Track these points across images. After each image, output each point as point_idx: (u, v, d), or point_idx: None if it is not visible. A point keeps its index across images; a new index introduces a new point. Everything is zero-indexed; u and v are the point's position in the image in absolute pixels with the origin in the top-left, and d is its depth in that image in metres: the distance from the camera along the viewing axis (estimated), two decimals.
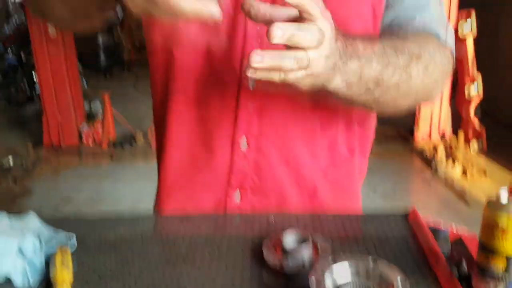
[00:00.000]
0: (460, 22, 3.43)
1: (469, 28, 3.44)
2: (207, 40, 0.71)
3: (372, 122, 0.87)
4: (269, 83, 0.55)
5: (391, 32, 0.74)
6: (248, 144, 0.78)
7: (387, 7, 0.76)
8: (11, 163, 3.53)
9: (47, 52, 3.76)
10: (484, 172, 3.22)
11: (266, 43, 0.55)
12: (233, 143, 0.78)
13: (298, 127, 0.78)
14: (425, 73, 0.68)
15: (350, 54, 0.59)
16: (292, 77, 0.55)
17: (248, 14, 0.54)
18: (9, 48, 4.99)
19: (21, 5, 4.82)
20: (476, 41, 3.52)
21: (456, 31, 3.46)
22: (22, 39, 4.85)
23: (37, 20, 3.57)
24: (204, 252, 0.70)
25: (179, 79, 0.79)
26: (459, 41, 3.48)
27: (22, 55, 4.87)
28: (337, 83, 0.60)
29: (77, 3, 0.68)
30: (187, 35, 0.68)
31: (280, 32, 0.51)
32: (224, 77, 0.77)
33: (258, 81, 0.68)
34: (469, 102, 3.58)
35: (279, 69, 0.53)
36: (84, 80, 4.92)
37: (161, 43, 0.78)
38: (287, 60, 0.53)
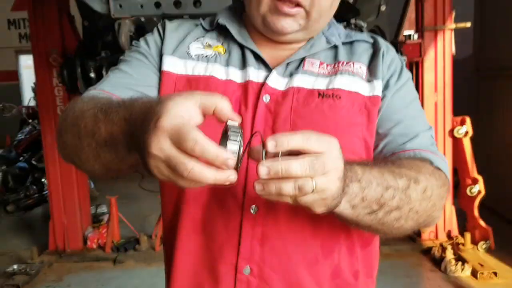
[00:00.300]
0: (456, 128, 3.59)
1: (465, 131, 3.58)
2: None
3: (376, 243, 0.90)
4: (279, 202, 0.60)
5: (385, 158, 0.81)
6: (251, 270, 0.81)
7: (378, 138, 0.84)
8: (15, 268, 3.49)
9: (58, 156, 3.88)
10: (495, 273, 3.16)
11: None
12: (237, 271, 0.81)
13: (300, 254, 0.82)
14: (423, 196, 0.73)
15: (350, 177, 0.65)
16: (303, 200, 0.59)
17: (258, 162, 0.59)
18: (22, 155, 5.15)
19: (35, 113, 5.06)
20: (473, 140, 3.65)
21: (451, 131, 3.60)
22: (34, 144, 5.04)
23: (50, 126, 3.73)
24: None
25: (187, 205, 0.84)
26: (455, 140, 3.61)
27: (33, 160, 5.02)
28: (342, 205, 0.65)
29: (110, 161, 0.72)
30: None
31: (265, 170, 0.56)
32: (228, 204, 0.82)
33: (266, 203, 0.76)
34: (472, 200, 3.62)
35: (281, 194, 0.58)
36: (91, 182, 5.01)
37: None
38: (288, 186, 0.57)
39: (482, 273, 3.15)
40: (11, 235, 4.33)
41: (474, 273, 3.21)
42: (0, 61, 7.95)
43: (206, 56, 0.89)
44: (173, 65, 0.88)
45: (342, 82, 0.86)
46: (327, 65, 0.89)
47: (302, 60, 0.88)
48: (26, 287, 3.30)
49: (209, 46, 0.91)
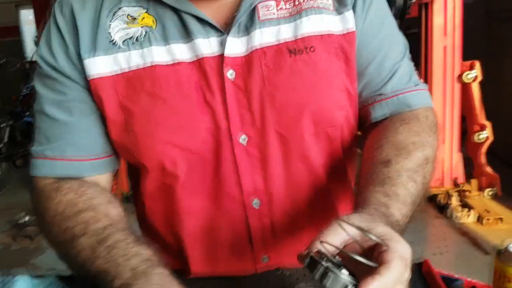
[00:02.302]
0: (465, 73, 3.50)
1: (474, 75, 3.49)
2: None
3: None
4: None
5: (381, 158, 0.72)
6: (269, 258, 0.82)
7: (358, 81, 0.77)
8: (27, 220, 3.57)
9: None
10: (501, 219, 3.17)
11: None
12: (255, 261, 0.81)
13: (312, 230, 0.78)
14: (430, 169, 0.73)
15: (401, 231, 0.61)
16: None
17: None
18: (28, 109, 5.15)
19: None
20: (482, 86, 3.57)
21: (460, 76, 3.52)
22: None
23: None
24: None
25: (184, 220, 0.79)
26: (464, 86, 3.53)
27: None
28: None
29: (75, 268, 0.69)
30: None
31: None
32: (229, 208, 0.77)
33: (267, 192, 0.77)
34: (479, 146, 3.58)
35: None
36: None
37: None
38: None
39: (488, 219, 3.16)
40: (22, 188, 4.40)
41: (479, 219, 3.22)
42: (0, 16, 7.81)
43: (136, 38, 0.69)
44: (100, 67, 0.69)
45: (310, 25, 0.71)
46: (285, 2, 0.72)
47: (254, 7, 0.71)
48: (38, 237, 3.38)
49: (133, 19, 0.70)
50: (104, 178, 0.77)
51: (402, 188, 0.65)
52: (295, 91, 0.71)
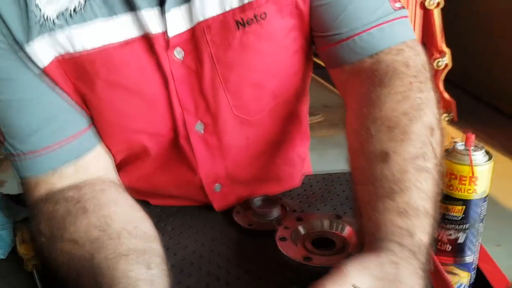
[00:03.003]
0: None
1: (437, 1, 3.47)
2: None
3: None
4: None
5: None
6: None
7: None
8: None
9: None
10: (455, 142, 3.30)
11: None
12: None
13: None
14: (437, 152, 0.55)
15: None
16: None
17: None
18: None
19: None
20: (444, 10, 3.56)
21: (422, 3, 3.49)
22: None
23: None
24: (175, 221, 0.72)
25: None
26: (426, 12, 3.52)
27: None
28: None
29: None
30: None
31: None
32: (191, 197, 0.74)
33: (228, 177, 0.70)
34: (438, 73, 3.64)
35: None
36: None
37: None
38: None
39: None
40: None
41: None
42: None
43: (74, 10, 0.55)
44: (40, 51, 0.55)
45: None
46: None
47: None
48: None
49: None
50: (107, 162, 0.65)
51: (415, 192, 0.50)
52: (250, 70, 0.62)
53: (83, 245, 0.52)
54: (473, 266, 0.62)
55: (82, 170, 0.60)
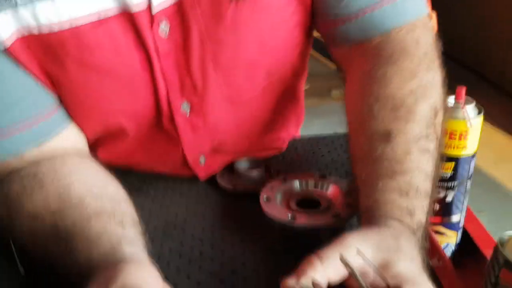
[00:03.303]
0: None
1: None
2: None
3: None
4: None
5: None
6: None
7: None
8: None
9: None
10: None
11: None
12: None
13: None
14: (439, 133, 0.53)
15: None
16: None
17: None
18: None
19: None
20: None
21: None
22: None
23: None
24: (158, 184, 0.69)
25: None
26: None
27: None
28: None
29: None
30: None
31: None
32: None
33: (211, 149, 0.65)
34: None
35: None
36: None
37: None
38: None
39: None
40: None
41: None
42: None
43: None
44: (5, 28, 0.49)
45: None
46: None
47: None
48: None
49: None
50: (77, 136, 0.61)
51: (417, 173, 0.48)
52: (243, 47, 0.57)
53: (43, 219, 0.48)
54: (460, 226, 0.61)
55: (47, 153, 0.55)
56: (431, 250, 0.46)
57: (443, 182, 0.58)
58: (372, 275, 0.39)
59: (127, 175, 0.59)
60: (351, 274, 0.37)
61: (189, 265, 0.53)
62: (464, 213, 0.60)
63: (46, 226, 0.47)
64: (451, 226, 0.60)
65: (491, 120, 2.45)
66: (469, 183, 0.58)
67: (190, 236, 0.58)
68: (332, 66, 2.81)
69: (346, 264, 0.37)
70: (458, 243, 0.62)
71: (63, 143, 0.57)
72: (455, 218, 0.60)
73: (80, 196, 0.48)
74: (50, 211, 0.48)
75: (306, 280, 0.37)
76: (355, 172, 0.52)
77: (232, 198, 0.65)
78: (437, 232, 0.61)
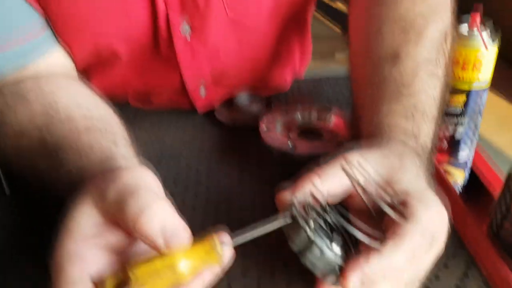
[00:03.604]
0: None
1: None
2: None
3: None
4: None
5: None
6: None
7: None
8: None
9: None
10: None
11: None
12: None
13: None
14: (448, 58, 0.50)
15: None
16: None
17: None
18: None
19: None
20: None
21: None
22: None
23: None
24: (154, 117, 0.67)
25: None
26: None
27: None
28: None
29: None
30: None
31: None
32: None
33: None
34: None
35: None
36: None
37: None
38: None
39: None
40: None
41: None
42: None
43: None
44: None
45: None
46: None
47: None
48: None
49: None
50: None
51: (425, 96, 0.45)
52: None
53: (30, 135, 0.44)
54: (467, 165, 0.59)
55: (31, 73, 0.52)
56: (437, 183, 0.43)
57: (453, 117, 0.55)
58: (374, 193, 0.36)
59: (121, 109, 0.56)
60: (353, 186, 0.35)
61: (184, 191, 0.51)
62: (472, 152, 0.58)
63: (33, 141, 0.44)
64: (459, 165, 0.58)
65: (494, 89, 2.41)
66: (479, 119, 0.55)
67: (186, 166, 0.56)
68: (336, 29, 2.74)
69: (348, 174, 0.34)
70: (465, 184, 0.59)
71: (50, 65, 0.54)
72: (463, 156, 0.57)
73: (68, 113, 0.45)
74: (37, 126, 0.45)
75: (302, 194, 0.35)
76: (357, 100, 0.50)
77: (231, 132, 0.62)
78: (444, 172, 0.58)
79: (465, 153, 0.57)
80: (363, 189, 0.33)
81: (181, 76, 0.61)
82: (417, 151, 0.41)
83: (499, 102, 2.40)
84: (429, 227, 0.32)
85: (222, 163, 0.56)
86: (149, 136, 0.62)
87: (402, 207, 0.33)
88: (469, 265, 0.40)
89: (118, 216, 0.31)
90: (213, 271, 0.31)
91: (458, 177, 0.58)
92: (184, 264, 0.30)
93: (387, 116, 0.44)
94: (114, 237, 0.32)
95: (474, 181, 0.59)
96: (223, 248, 0.31)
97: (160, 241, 0.30)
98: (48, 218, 0.34)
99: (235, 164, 0.56)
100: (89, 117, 0.46)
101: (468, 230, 0.42)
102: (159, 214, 0.30)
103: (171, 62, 0.59)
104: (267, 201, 0.49)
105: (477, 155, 0.60)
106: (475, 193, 0.58)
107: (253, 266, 0.40)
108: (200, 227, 0.44)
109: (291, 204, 0.33)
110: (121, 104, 0.64)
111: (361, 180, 0.35)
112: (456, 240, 0.42)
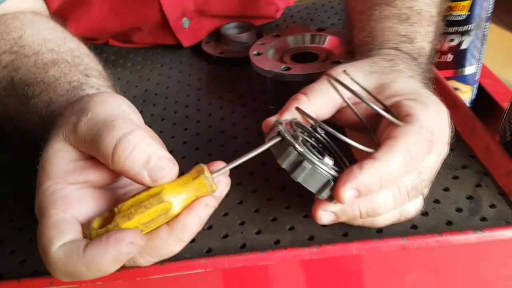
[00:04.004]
0: None
1: None
2: None
3: None
4: None
5: None
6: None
7: None
8: None
9: None
10: None
11: None
12: None
13: None
14: None
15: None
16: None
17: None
18: None
19: None
20: None
21: None
22: None
23: None
24: (136, 56, 0.62)
25: None
26: None
27: None
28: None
29: None
30: None
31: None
32: None
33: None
34: None
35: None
36: None
37: None
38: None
39: None
40: None
41: None
42: None
43: None
44: None
45: None
46: None
47: None
48: None
49: None
50: None
51: None
52: None
53: None
54: (475, 80, 0.55)
55: None
56: (443, 96, 0.39)
57: (458, 26, 0.50)
58: (364, 106, 0.32)
59: (100, 50, 0.51)
60: (342, 98, 0.31)
61: (173, 127, 0.48)
62: (481, 64, 0.54)
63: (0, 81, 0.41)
64: (466, 80, 0.54)
65: (500, 22, 2.31)
66: (487, 26, 0.51)
67: (174, 102, 0.52)
68: None
69: (335, 86, 0.31)
70: (474, 100, 0.56)
71: (19, 6, 0.49)
72: (470, 69, 0.53)
73: (34, 48, 0.41)
74: (2, 65, 0.41)
75: (290, 114, 0.32)
76: (349, 8, 0.47)
77: (220, 65, 0.58)
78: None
79: (473, 67, 0.53)
80: (358, 97, 0.29)
81: (160, 6, 0.56)
82: (412, 54, 0.38)
83: (505, 35, 2.32)
84: (426, 124, 0.29)
85: (212, 96, 0.52)
86: (133, 76, 0.58)
87: (396, 109, 0.30)
88: (481, 176, 0.37)
89: (94, 151, 0.27)
90: (208, 204, 0.28)
91: (466, 94, 0.55)
92: (170, 192, 0.27)
93: (380, 20, 0.41)
94: (94, 173, 0.28)
95: (484, 98, 0.55)
96: (219, 176, 0.28)
97: (144, 175, 0.26)
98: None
99: (226, 96, 0.52)
100: (57, 51, 0.42)
101: (480, 140, 0.39)
102: (140, 145, 0.26)
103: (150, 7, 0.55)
104: (262, 130, 0.46)
105: (484, 68, 0.56)
106: (484, 111, 0.54)
107: (249, 194, 0.37)
108: (193, 161, 0.41)
109: (278, 123, 0.30)
110: (100, 46, 0.60)
111: (350, 90, 0.31)
112: (466, 151, 0.39)
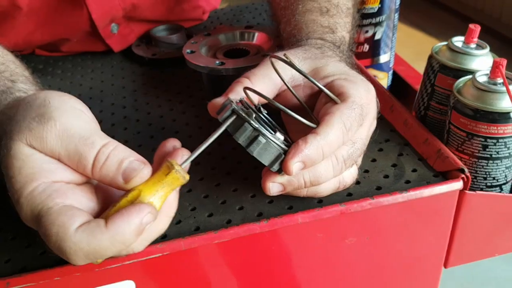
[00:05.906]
0: None
1: None
2: None
3: None
4: None
5: None
6: None
7: None
8: None
9: None
10: None
11: None
12: None
13: None
14: None
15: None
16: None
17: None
18: None
19: None
20: None
21: None
22: None
23: None
24: (65, 63, 0.62)
25: None
26: None
27: None
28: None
29: None
30: None
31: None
32: None
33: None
34: None
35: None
36: None
37: None
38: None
39: None
40: None
41: None
42: None
43: None
44: None
45: None
46: None
47: None
48: None
49: None
50: None
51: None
52: None
53: None
54: (390, 66, 0.60)
55: None
56: None
57: (371, 18, 0.56)
58: (302, 88, 0.37)
59: (27, 60, 0.50)
60: (283, 81, 0.35)
61: (112, 127, 0.48)
62: (393, 52, 0.59)
63: None
64: (382, 67, 0.59)
65: (409, 22, 2.50)
66: (396, 17, 0.57)
67: (110, 104, 0.52)
68: None
69: (276, 69, 0.34)
70: (390, 86, 0.61)
71: None
72: (384, 58, 0.59)
73: None
74: None
75: (235, 95, 0.34)
76: (274, 4, 0.51)
77: (153, 66, 0.59)
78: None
79: (387, 55, 0.59)
80: (304, 75, 0.32)
81: (89, 15, 0.56)
82: (335, 43, 0.43)
83: (414, 33, 2.51)
84: (357, 100, 0.33)
85: (149, 96, 0.53)
86: (64, 82, 0.58)
87: (330, 89, 0.34)
88: (402, 146, 0.41)
89: (71, 163, 0.29)
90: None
91: (382, 80, 0.60)
92: (148, 194, 0.28)
93: (304, 14, 0.45)
94: (71, 173, 0.29)
95: (398, 82, 0.61)
96: (185, 164, 0.30)
97: (119, 178, 0.28)
98: None
99: (163, 95, 0.53)
100: None
101: (398, 116, 0.44)
102: (113, 153, 0.28)
103: (75, 1, 0.54)
104: (203, 123, 0.48)
105: (397, 57, 0.62)
106: (400, 93, 0.60)
107: (197, 182, 0.39)
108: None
109: (229, 102, 0.32)
110: (27, 56, 0.59)
111: (289, 80, 0.36)
112: (388, 126, 0.44)
